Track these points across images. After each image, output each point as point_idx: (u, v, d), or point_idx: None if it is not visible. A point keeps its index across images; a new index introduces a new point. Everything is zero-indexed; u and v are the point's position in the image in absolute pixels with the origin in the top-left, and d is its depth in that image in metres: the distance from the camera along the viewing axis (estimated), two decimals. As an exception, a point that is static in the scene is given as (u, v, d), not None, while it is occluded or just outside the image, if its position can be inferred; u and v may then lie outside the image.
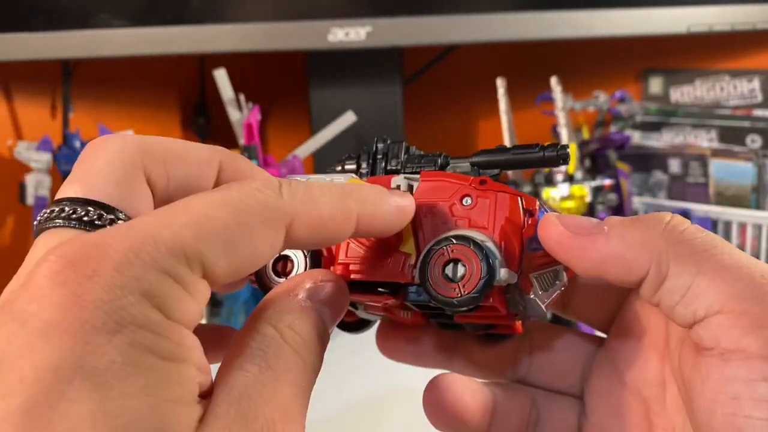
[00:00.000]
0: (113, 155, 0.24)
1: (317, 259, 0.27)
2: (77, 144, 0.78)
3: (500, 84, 0.76)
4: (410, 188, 0.27)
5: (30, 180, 0.78)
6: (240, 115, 0.74)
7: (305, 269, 0.27)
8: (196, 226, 0.19)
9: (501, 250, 0.25)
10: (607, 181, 0.76)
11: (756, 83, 0.95)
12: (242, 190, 0.21)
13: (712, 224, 0.85)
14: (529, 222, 0.26)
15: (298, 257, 0.27)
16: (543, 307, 0.26)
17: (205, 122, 1.01)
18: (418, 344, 0.31)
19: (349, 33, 0.79)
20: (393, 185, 0.27)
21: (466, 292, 0.25)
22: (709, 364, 0.23)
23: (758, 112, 0.93)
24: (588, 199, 0.74)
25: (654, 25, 0.80)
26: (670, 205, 0.87)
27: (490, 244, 0.25)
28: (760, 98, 0.95)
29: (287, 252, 0.27)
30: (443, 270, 0.25)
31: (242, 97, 0.75)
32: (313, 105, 0.88)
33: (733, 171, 0.88)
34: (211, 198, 0.20)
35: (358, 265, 0.27)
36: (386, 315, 0.30)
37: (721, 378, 0.22)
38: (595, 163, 0.81)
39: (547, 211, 0.27)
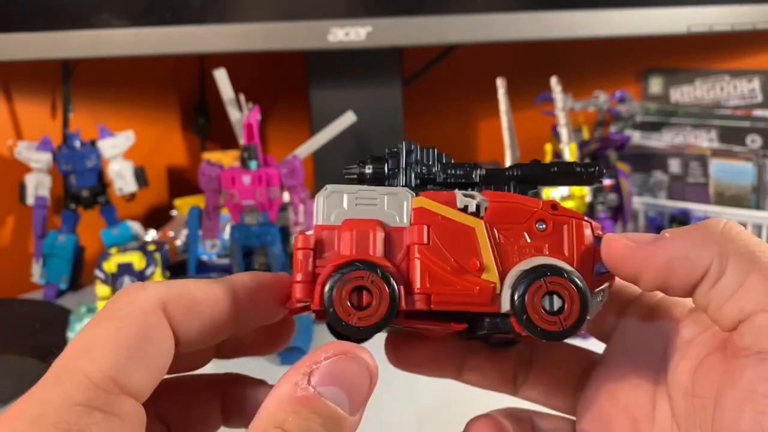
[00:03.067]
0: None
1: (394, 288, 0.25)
2: (77, 144, 0.78)
3: (500, 84, 0.76)
4: (477, 208, 0.26)
5: (30, 180, 0.78)
6: (240, 115, 0.74)
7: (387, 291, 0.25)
8: None
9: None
10: (607, 181, 0.76)
11: (756, 83, 0.95)
12: None
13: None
14: (597, 248, 0.26)
15: (378, 284, 0.25)
16: (587, 326, 0.27)
17: (205, 122, 1.01)
18: (431, 357, 0.31)
19: (349, 33, 0.79)
20: (460, 205, 0.26)
21: (567, 326, 0.25)
22: (744, 364, 0.23)
23: (758, 112, 0.93)
24: (588, 199, 0.74)
25: (654, 25, 0.80)
26: (670, 205, 0.87)
27: (579, 276, 0.25)
28: (760, 98, 0.95)
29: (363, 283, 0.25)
30: (541, 302, 0.25)
31: (242, 97, 0.75)
32: (313, 105, 0.88)
33: (733, 171, 0.88)
34: None
35: (440, 294, 0.25)
36: (406, 327, 0.28)
37: (755, 376, 0.22)
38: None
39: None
